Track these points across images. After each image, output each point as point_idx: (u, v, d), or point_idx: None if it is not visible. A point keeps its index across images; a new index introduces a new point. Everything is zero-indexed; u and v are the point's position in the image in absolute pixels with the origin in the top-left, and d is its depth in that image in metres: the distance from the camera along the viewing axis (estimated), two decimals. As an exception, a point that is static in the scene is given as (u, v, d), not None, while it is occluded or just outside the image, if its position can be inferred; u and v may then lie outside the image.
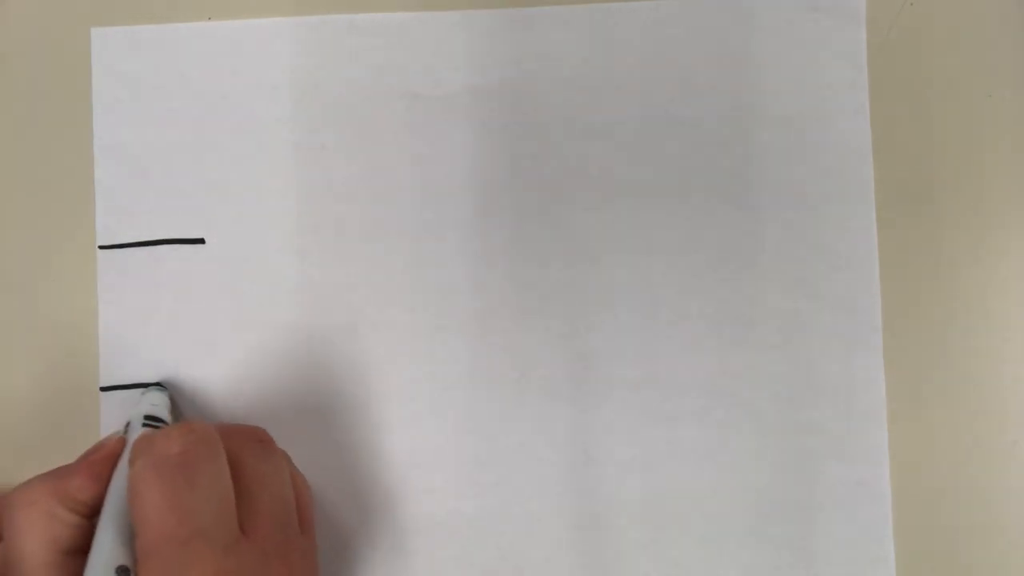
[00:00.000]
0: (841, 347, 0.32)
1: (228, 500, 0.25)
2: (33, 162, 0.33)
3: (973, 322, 0.32)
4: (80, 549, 0.25)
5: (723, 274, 0.32)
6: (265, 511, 0.26)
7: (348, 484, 0.32)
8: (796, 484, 0.32)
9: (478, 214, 0.32)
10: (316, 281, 0.32)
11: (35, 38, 0.33)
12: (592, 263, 0.32)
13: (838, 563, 0.31)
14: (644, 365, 0.32)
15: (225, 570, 0.24)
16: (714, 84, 0.32)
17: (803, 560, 0.31)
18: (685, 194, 0.32)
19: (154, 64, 0.33)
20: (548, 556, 0.32)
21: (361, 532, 0.32)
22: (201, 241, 0.32)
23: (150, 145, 0.33)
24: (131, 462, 0.25)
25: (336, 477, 0.32)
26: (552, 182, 0.32)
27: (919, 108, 0.32)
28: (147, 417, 0.29)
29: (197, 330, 0.32)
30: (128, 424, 0.29)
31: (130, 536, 0.24)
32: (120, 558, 0.24)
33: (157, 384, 0.32)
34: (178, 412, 0.32)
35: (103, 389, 0.32)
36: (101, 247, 0.32)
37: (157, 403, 0.30)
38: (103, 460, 0.26)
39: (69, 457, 0.28)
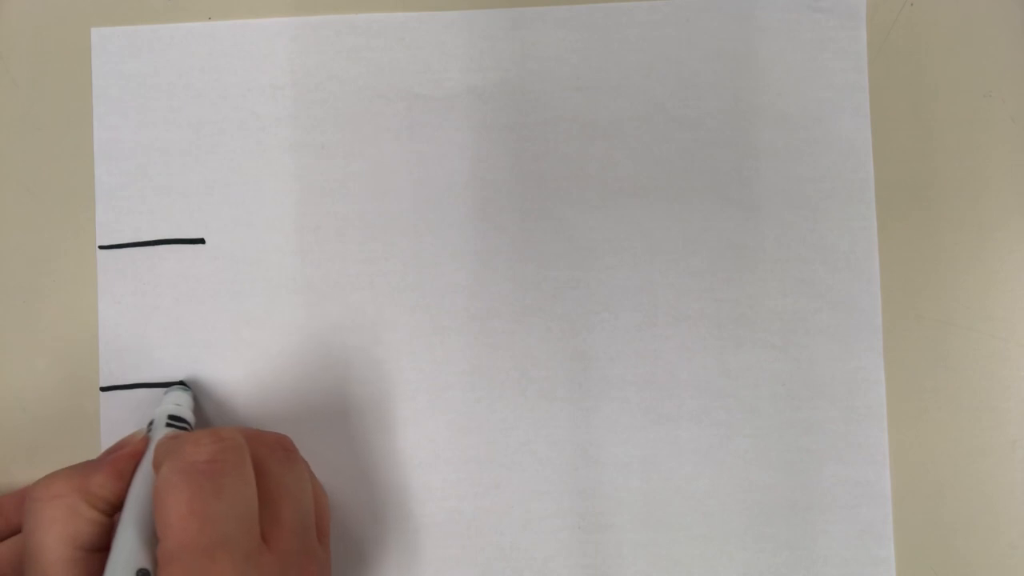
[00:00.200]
0: (841, 347, 0.32)
1: (252, 509, 0.25)
2: (33, 162, 0.33)
3: (973, 322, 0.32)
4: (99, 547, 0.25)
5: (723, 274, 0.32)
6: (287, 521, 0.26)
7: (348, 484, 0.32)
8: (796, 484, 0.32)
9: (478, 214, 0.32)
10: (316, 281, 0.32)
11: (35, 38, 0.33)
12: (592, 263, 0.32)
13: (838, 563, 0.31)
14: (644, 365, 0.32)
15: None
16: (714, 84, 0.32)
17: (803, 560, 0.31)
18: (685, 194, 0.32)
19: (154, 64, 0.33)
20: (548, 556, 0.32)
21: (360, 532, 0.32)
22: (201, 241, 0.32)
23: (150, 145, 0.33)
24: (158, 465, 0.25)
25: (335, 477, 0.32)
26: (552, 182, 0.32)
27: (919, 108, 0.32)
28: (171, 417, 0.29)
29: (197, 330, 0.32)
30: (152, 423, 0.29)
31: (151, 539, 0.24)
32: (141, 561, 0.24)
33: (180, 383, 0.32)
34: (201, 411, 0.32)
35: (103, 389, 0.32)
36: (101, 247, 0.33)
37: (180, 403, 0.30)
38: (126, 458, 0.26)
39: (69, 457, 0.28)
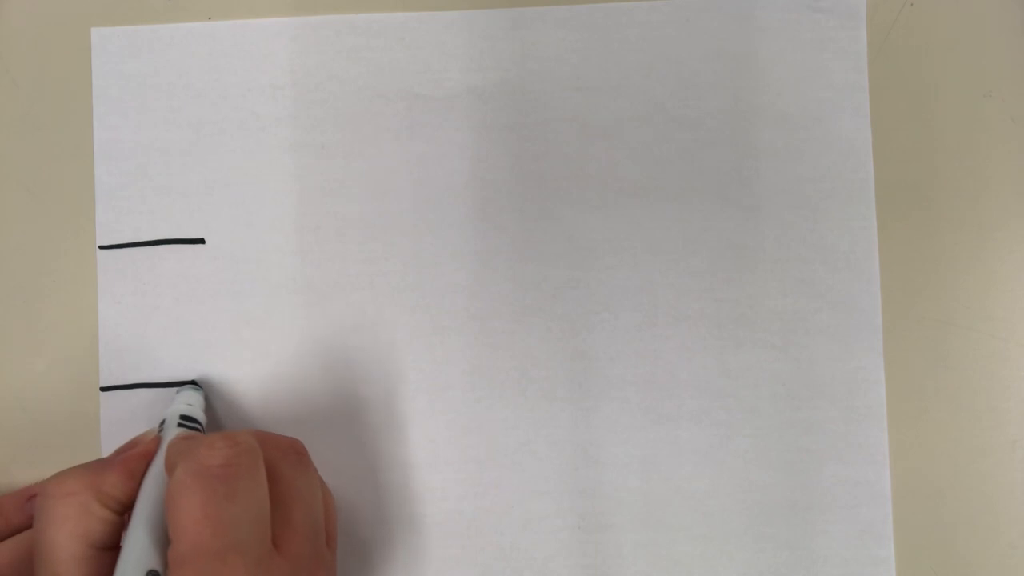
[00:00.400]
0: (841, 347, 0.32)
1: (264, 514, 0.25)
2: (33, 162, 0.33)
3: (973, 322, 0.32)
4: (109, 545, 0.25)
5: (723, 274, 0.32)
6: (298, 526, 0.26)
7: (348, 483, 0.32)
8: (796, 484, 0.32)
9: (478, 214, 0.32)
10: (316, 281, 0.32)
11: (35, 38, 0.33)
12: (592, 263, 0.32)
13: (838, 563, 0.31)
14: (644, 365, 0.32)
15: None
16: (714, 84, 0.32)
17: (803, 560, 0.31)
18: (685, 194, 0.32)
19: (154, 64, 0.33)
20: (548, 556, 0.32)
21: (360, 531, 0.32)
22: (201, 241, 0.32)
23: (150, 145, 0.33)
24: (171, 467, 0.25)
25: (335, 476, 0.32)
26: (552, 182, 0.32)
27: (919, 108, 0.32)
28: (183, 417, 0.29)
29: (197, 330, 0.32)
30: (163, 423, 0.29)
31: (162, 540, 0.24)
32: (151, 562, 0.24)
33: (192, 382, 0.32)
34: (212, 411, 0.32)
35: (103, 389, 0.32)
36: (101, 247, 0.33)
37: (192, 403, 0.30)
38: (138, 458, 0.26)
39: (69, 457, 0.28)
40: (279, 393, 0.32)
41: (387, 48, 0.33)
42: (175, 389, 0.31)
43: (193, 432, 0.28)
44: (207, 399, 0.32)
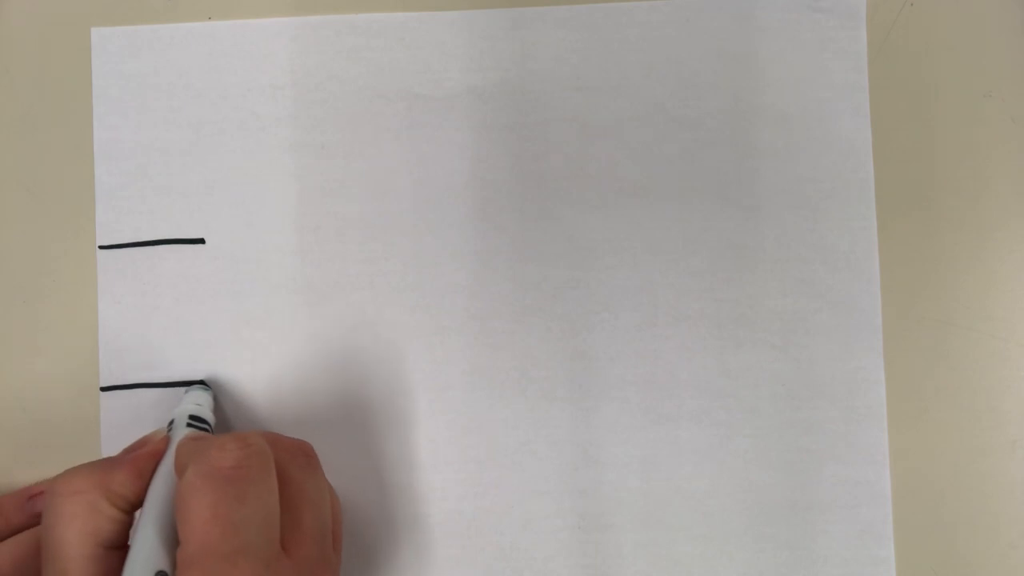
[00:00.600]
0: (841, 347, 0.32)
1: (274, 517, 0.25)
2: (33, 162, 0.33)
3: (973, 322, 0.32)
4: (117, 544, 0.25)
5: (723, 274, 0.32)
6: (307, 529, 0.26)
7: (348, 483, 0.32)
8: (796, 484, 0.32)
9: (478, 214, 0.32)
10: (316, 281, 0.32)
11: (35, 38, 0.33)
12: (592, 263, 0.32)
13: (838, 563, 0.31)
14: (644, 365, 0.32)
15: None
16: (714, 84, 0.32)
17: (803, 560, 0.31)
18: (685, 194, 0.32)
19: (154, 64, 0.33)
20: (548, 556, 0.32)
21: (360, 531, 0.32)
22: (201, 241, 0.32)
23: (150, 145, 0.33)
24: (180, 467, 0.25)
25: (335, 476, 0.32)
26: (552, 182, 0.32)
27: (919, 108, 0.32)
28: (191, 417, 0.29)
29: (197, 330, 0.32)
30: (172, 423, 0.29)
31: (171, 540, 0.24)
32: (160, 562, 0.24)
33: (200, 382, 0.32)
34: (221, 411, 0.32)
35: (103, 389, 0.32)
36: (101, 247, 0.33)
37: (201, 403, 0.30)
38: (147, 457, 0.26)
39: (69, 457, 0.28)
40: (279, 393, 0.32)
41: (387, 48, 0.33)
42: (184, 389, 0.31)
43: (202, 432, 0.28)
44: (216, 399, 0.32)
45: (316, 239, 0.32)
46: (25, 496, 0.30)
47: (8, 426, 0.32)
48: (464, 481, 0.32)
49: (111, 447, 0.32)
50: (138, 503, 0.26)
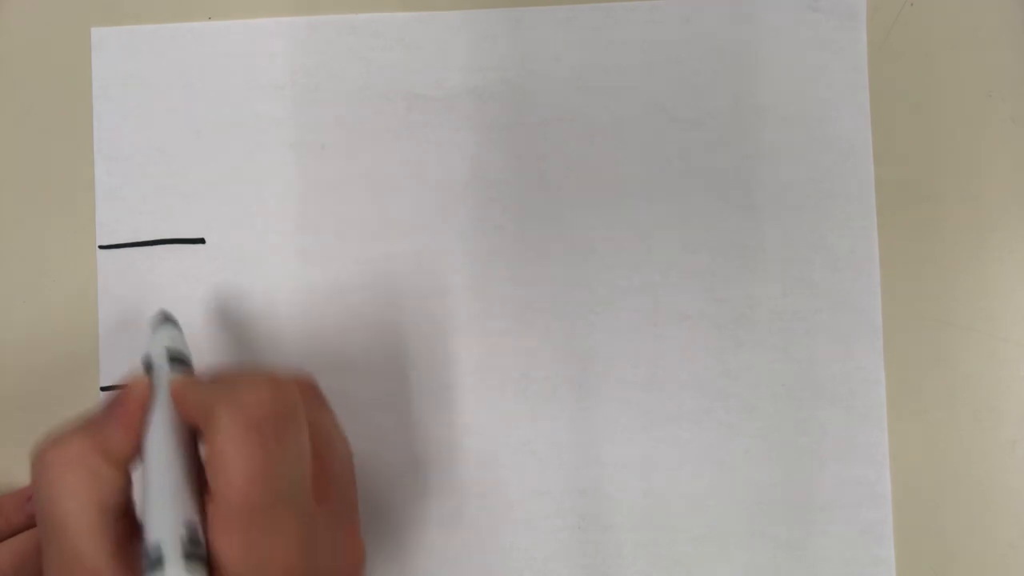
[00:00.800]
0: (841, 347, 0.32)
1: (307, 463, 0.24)
2: (33, 162, 0.33)
3: (973, 322, 0.32)
4: (124, 508, 0.23)
5: (723, 274, 0.32)
6: (336, 473, 0.25)
7: (348, 484, 0.32)
8: (796, 484, 0.32)
9: (478, 214, 0.32)
10: (316, 281, 0.32)
11: (35, 38, 0.33)
12: (592, 263, 0.32)
13: (838, 563, 0.31)
14: (644, 365, 0.32)
15: (305, 538, 0.23)
16: (714, 84, 0.32)
17: (803, 560, 0.31)
18: (685, 194, 0.32)
19: (154, 64, 0.33)
20: (548, 556, 0.32)
21: (361, 533, 0.32)
22: (201, 241, 0.32)
23: (150, 145, 0.33)
24: (203, 413, 0.23)
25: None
26: (552, 182, 0.32)
27: (919, 108, 0.32)
28: (172, 358, 0.26)
29: (197, 330, 0.32)
30: (150, 364, 0.26)
31: (190, 486, 0.23)
32: (187, 513, 0.22)
33: (164, 315, 0.29)
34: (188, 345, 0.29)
35: (103, 389, 0.32)
36: (101, 247, 0.33)
37: (175, 337, 0.27)
38: (137, 408, 0.24)
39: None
40: (279, 393, 0.32)
41: (387, 48, 0.33)
42: (150, 327, 0.28)
43: (193, 376, 0.26)
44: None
45: (316, 239, 0.32)
46: (25, 496, 0.30)
47: (8, 426, 0.32)
48: (464, 481, 0.32)
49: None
50: (133, 458, 0.24)
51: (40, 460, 0.23)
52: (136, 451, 0.24)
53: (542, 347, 0.32)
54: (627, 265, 0.32)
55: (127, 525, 0.23)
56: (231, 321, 0.32)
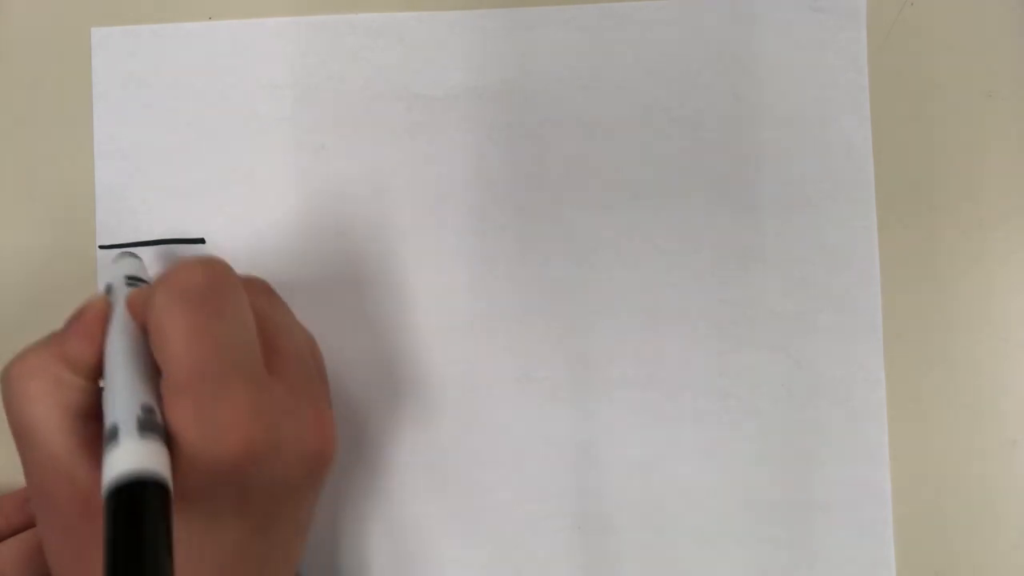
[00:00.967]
0: (841, 347, 0.32)
1: (254, 335, 0.24)
2: (33, 162, 0.33)
3: (973, 322, 0.32)
4: (90, 412, 0.23)
5: (723, 274, 0.32)
6: (286, 352, 0.25)
7: (348, 484, 0.32)
8: (796, 484, 0.32)
9: (478, 214, 0.32)
10: (316, 281, 0.32)
11: (35, 38, 0.33)
12: (592, 263, 0.32)
13: (838, 563, 0.31)
14: (644, 365, 0.32)
15: (259, 404, 0.22)
16: (714, 84, 0.32)
17: (803, 560, 0.31)
18: (685, 194, 0.32)
19: (154, 64, 0.33)
20: (548, 556, 0.32)
21: (361, 533, 0.32)
22: (201, 241, 0.32)
23: (150, 145, 0.33)
24: (139, 308, 0.24)
25: (337, 476, 0.32)
26: (552, 182, 0.32)
27: (919, 108, 0.32)
28: (129, 277, 0.27)
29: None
30: (110, 286, 0.26)
31: (146, 376, 0.23)
32: (142, 396, 0.22)
33: (129, 253, 0.30)
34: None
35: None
36: (101, 247, 0.32)
37: (134, 265, 0.28)
38: (94, 320, 0.24)
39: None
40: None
41: (387, 48, 0.33)
42: (112, 258, 0.30)
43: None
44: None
45: (316, 239, 0.32)
46: (25, 496, 0.30)
47: (8, 426, 0.32)
48: (464, 481, 0.32)
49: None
50: (98, 368, 0.24)
51: (5, 376, 0.23)
52: (98, 360, 0.24)
53: (542, 347, 0.32)
54: (627, 265, 0.32)
55: (96, 429, 0.23)
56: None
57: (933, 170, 0.32)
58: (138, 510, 0.20)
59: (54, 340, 0.24)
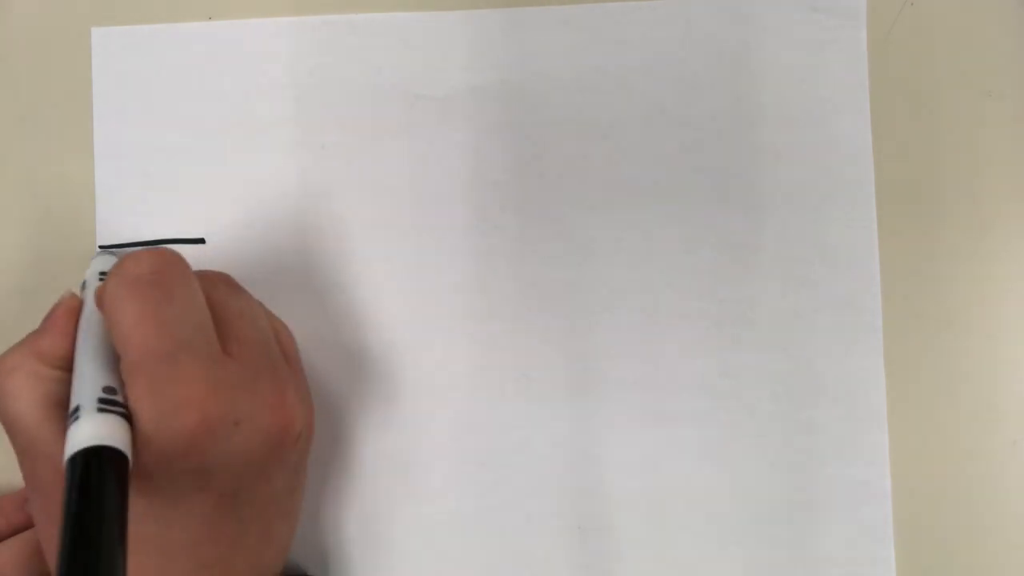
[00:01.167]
0: (841, 347, 0.32)
1: (206, 320, 0.25)
2: (33, 162, 0.33)
3: (973, 322, 0.32)
4: (68, 400, 0.24)
5: (723, 274, 0.32)
6: (245, 338, 0.26)
7: (348, 484, 0.32)
8: (796, 484, 0.32)
9: (478, 214, 0.32)
10: (316, 281, 0.32)
11: (35, 38, 0.33)
12: (592, 263, 0.32)
13: (838, 563, 0.31)
14: (644, 365, 0.32)
15: (216, 380, 0.23)
16: (714, 84, 0.32)
17: (803, 560, 0.31)
18: (685, 194, 0.32)
19: (154, 64, 0.33)
20: (548, 556, 0.32)
21: (362, 533, 0.32)
22: (201, 241, 0.32)
23: (150, 145, 0.33)
24: (101, 301, 0.25)
25: (336, 476, 0.32)
26: (552, 182, 0.32)
27: (919, 108, 0.32)
28: (102, 273, 0.28)
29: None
30: (84, 283, 0.28)
31: (111, 362, 0.24)
32: (104, 380, 0.23)
33: (106, 250, 0.31)
34: None
35: (103, 389, 0.32)
36: (101, 247, 0.32)
37: (110, 262, 0.29)
38: (65, 315, 0.26)
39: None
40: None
41: (387, 48, 0.33)
42: (91, 257, 0.31)
43: None
44: None
45: (316, 239, 0.32)
46: (25, 496, 0.30)
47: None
48: (464, 481, 0.32)
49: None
50: (69, 358, 0.25)
51: None
52: (70, 352, 0.25)
53: (542, 347, 0.32)
54: (627, 265, 0.32)
55: None
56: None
57: (933, 170, 0.32)
58: (92, 475, 0.21)
59: (30, 338, 0.25)
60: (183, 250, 0.32)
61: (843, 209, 0.32)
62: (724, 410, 0.32)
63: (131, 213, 0.33)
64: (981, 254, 0.32)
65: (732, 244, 0.32)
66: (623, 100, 0.32)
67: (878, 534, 0.31)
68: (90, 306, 0.26)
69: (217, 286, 0.27)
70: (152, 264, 0.25)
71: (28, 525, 0.30)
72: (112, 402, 0.23)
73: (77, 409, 0.22)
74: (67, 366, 0.25)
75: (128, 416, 0.23)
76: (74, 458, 0.21)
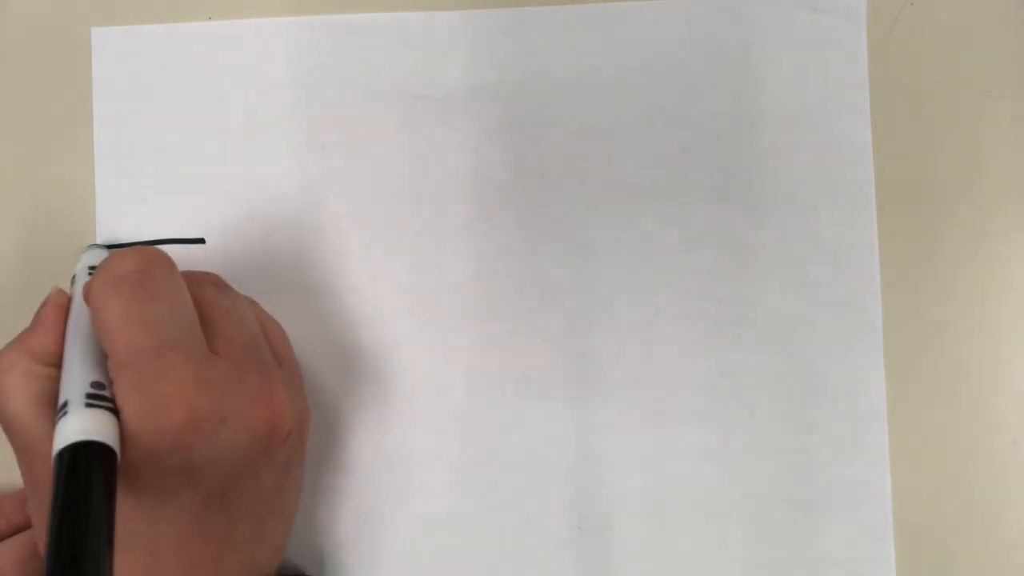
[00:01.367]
0: (841, 347, 0.32)
1: (192, 318, 0.25)
2: (33, 162, 0.33)
3: (973, 322, 0.32)
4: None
5: (723, 274, 0.32)
6: (233, 336, 0.26)
7: (348, 484, 0.32)
8: (796, 484, 0.32)
9: (478, 214, 0.32)
10: (316, 281, 0.32)
11: (35, 38, 0.33)
12: (592, 263, 0.32)
13: (838, 563, 0.31)
14: (644, 365, 0.32)
15: (202, 377, 0.24)
16: (714, 84, 0.32)
17: (803, 560, 0.31)
18: (685, 194, 0.32)
19: (154, 64, 0.33)
20: (548, 556, 0.32)
21: (360, 533, 0.32)
22: (201, 241, 0.32)
23: (150, 145, 0.33)
24: (88, 284, 0.25)
25: (336, 476, 0.32)
26: (552, 182, 0.32)
27: (919, 108, 0.32)
28: (91, 268, 0.28)
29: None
30: (74, 277, 0.29)
31: (99, 357, 0.24)
32: (92, 375, 0.24)
33: (96, 244, 0.31)
34: None
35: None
36: (93, 245, 0.32)
37: (99, 256, 0.29)
38: (53, 311, 0.26)
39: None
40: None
41: (387, 48, 0.33)
42: (82, 251, 0.31)
43: None
44: None
45: (316, 239, 0.32)
46: (25, 495, 0.30)
47: None
48: (464, 481, 0.32)
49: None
50: (60, 355, 0.25)
51: None
52: (61, 348, 0.25)
53: (542, 347, 0.32)
54: (627, 265, 0.32)
55: None
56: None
57: (933, 170, 0.32)
58: (79, 470, 0.21)
59: (22, 336, 0.26)
60: (184, 250, 0.32)
61: (843, 209, 0.32)
62: (724, 410, 0.32)
63: (131, 213, 0.33)
64: (981, 254, 0.32)
65: (732, 244, 0.32)
66: (623, 100, 0.32)
67: (878, 534, 0.31)
68: (78, 301, 0.26)
69: (204, 285, 0.27)
70: (137, 262, 0.25)
71: (28, 525, 0.30)
72: (100, 397, 0.23)
73: (65, 404, 0.23)
74: (59, 363, 0.25)
75: (116, 412, 0.23)
76: (62, 453, 0.21)
